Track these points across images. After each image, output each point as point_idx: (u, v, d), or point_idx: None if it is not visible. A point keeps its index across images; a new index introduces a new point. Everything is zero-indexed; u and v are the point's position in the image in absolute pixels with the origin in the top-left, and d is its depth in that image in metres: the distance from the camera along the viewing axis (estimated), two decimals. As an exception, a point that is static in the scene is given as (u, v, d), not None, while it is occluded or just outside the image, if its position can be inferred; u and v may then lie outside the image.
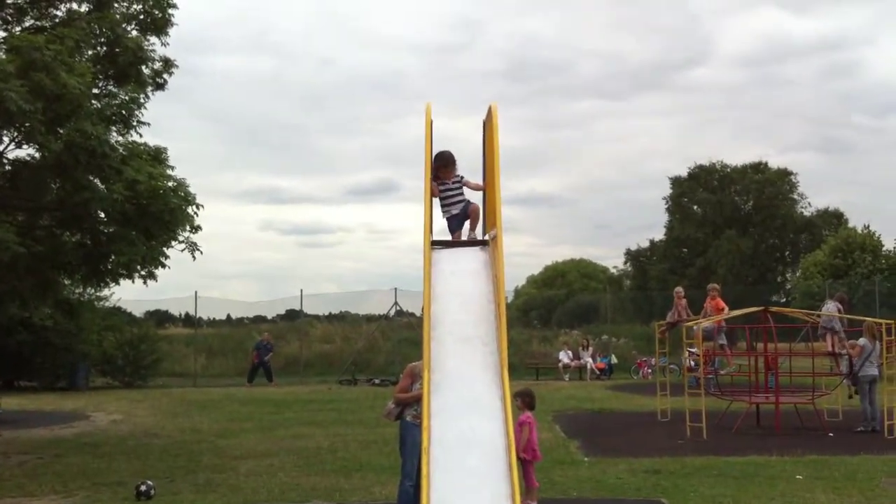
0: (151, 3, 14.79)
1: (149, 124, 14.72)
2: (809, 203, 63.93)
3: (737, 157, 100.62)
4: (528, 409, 9.56)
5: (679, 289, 20.10)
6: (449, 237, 8.88)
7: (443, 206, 8.94)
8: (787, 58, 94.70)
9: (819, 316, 18.47)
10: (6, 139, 13.58)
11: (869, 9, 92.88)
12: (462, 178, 8.99)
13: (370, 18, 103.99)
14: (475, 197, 9.15)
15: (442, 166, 8.86)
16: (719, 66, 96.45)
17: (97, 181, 13.38)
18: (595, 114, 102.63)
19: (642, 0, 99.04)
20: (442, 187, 8.89)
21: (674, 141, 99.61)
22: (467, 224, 8.98)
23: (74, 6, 14.65)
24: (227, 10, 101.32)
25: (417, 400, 8.18)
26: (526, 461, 9.22)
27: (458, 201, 8.93)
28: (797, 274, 53.73)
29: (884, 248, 45.34)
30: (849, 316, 18.28)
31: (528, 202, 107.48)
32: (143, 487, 10.56)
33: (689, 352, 18.71)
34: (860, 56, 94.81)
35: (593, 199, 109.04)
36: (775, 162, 67.99)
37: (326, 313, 42.43)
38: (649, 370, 30.90)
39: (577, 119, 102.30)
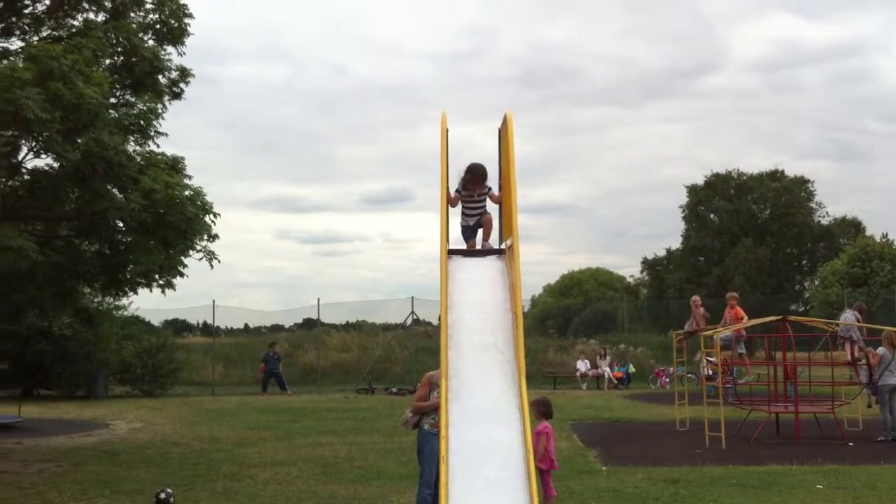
0: (168, 12, 14.87)
1: (166, 135, 14.80)
2: (827, 212, 63.68)
3: (751, 164, 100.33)
4: (543, 419, 9.53)
5: (696, 297, 20.00)
6: (463, 246, 8.88)
7: (462, 214, 8.96)
8: (800, 64, 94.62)
9: (838, 325, 18.37)
10: (24, 148, 13.65)
11: (882, 15, 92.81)
12: (489, 189, 8.98)
13: (384, 26, 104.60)
14: (489, 206, 9.14)
15: (471, 180, 8.86)
16: (732, 72, 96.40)
17: (115, 190, 13.45)
18: (608, 120, 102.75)
19: (655, 6, 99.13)
20: (466, 197, 8.90)
21: (687, 148, 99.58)
22: (480, 232, 8.99)
23: (91, 16, 14.74)
24: (240, 18, 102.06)
25: (435, 409, 8.24)
26: (542, 471, 9.19)
27: (478, 213, 8.97)
28: (815, 283, 53.38)
29: (902, 258, 44.99)
30: (868, 325, 18.17)
31: (543, 210, 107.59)
32: (162, 495, 10.58)
33: (708, 360, 18.61)
34: (873, 62, 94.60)
35: (608, 207, 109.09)
36: (791, 169, 67.67)
37: (343, 322, 42.44)
38: (667, 379, 30.77)
39: (591, 126, 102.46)
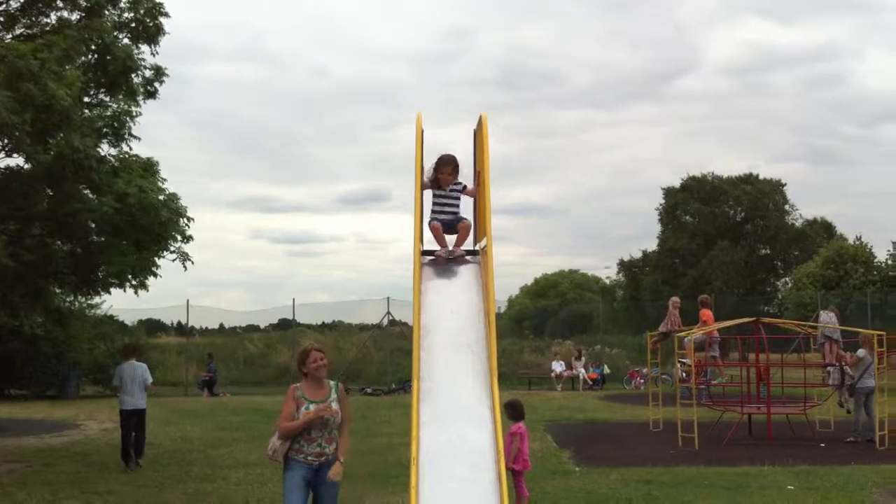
0: (143, 11, 14.74)
1: (139, 139, 14.67)
2: (800, 214, 64.16)
3: (725, 166, 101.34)
4: (513, 421, 9.52)
5: (675, 298, 20.00)
6: (436, 246, 8.65)
7: (433, 209, 8.61)
8: (773, 68, 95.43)
9: (812, 326, 18.46)
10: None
11: (853, 20, 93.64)
12: (465, 187, 8.67)
13: (363, 27, 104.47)
14: (467, 212, 8.91)
15: (442, 164, 8.50)
16: (707, 75, 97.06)
17: (88, 192, 13.35)
18: (586, 123, 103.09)
19: (631, 10, 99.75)
20: (437, 192, 8.58)
21: (663, 150, 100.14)
22: (454, 238, 8.70)
23: (65, 14, 14.58)
24: (218, 17, 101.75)
25: (303, 429, 7.43)
26: (516, 471, 9.20)
27: (451, 211, 8.59)
28: (789, 285, 53.72)
29: (875, 260, 45.40)
30: (844, 327, 18.29)
31: (520, 211, 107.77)
32: None
33: (681, 362, 18.67)
34: (846, 67, 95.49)
35: (584, 209, 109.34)
36: (764, 172, 68.15)
37: (319, 323, 42.33)
38: (641, 380, 30.88)
39: (568, 128, 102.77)
